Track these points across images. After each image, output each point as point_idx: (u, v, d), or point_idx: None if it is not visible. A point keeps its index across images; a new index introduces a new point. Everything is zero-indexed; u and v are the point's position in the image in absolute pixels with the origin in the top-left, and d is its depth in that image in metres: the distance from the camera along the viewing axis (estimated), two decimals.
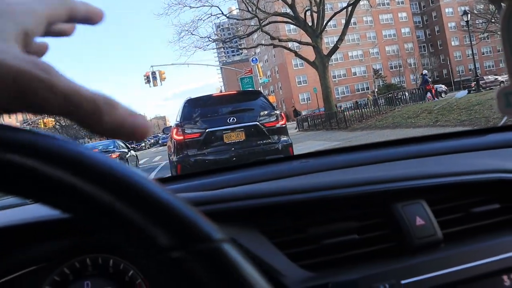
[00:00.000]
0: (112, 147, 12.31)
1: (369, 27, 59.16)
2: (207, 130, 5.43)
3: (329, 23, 19.62)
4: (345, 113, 17.39)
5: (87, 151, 0.24)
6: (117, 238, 0.25)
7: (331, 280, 0.58)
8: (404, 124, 11.71)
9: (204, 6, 20.75)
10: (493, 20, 28.63)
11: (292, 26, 26.93)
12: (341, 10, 20.03)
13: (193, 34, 21.14)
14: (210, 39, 22.13)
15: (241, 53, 76.07)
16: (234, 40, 27.48)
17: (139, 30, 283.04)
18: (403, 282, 0.58)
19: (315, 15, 19.02)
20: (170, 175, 6.43)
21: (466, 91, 17.97)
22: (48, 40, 0.30)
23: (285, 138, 5.79)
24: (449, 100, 13.33)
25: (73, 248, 0.66)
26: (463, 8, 25.22)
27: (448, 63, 61.33)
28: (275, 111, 5.86)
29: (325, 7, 19.33)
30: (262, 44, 24.01)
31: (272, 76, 60.53)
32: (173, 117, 7.26)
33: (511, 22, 0.36)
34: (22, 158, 0.22)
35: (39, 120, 37.27)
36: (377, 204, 0.67)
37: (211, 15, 21.07)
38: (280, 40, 20.69)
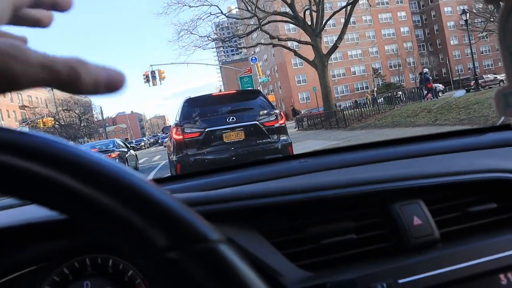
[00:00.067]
0: (111, 146, 12.31)
1: (368, 26, 59.15)
2: (206, 130, 5.43)
3: (328, 22, 19.61)
4: (344, 112, 17.40)
5: (83, 151, 0.24)
6: (113, 239, 0.25)
7: (329, 280, 0.58)
8: (404, 123, 11.71)
9: (203, 5, 20.76)
10: (492, 19, 28.63)
11: (291, 25, 26.91)
12: (340, 9, 20.03)
13: (192, 33, 21.15)
14: (210, 38, 22.12)
15: (241, 52, 76.03)
16: (234, 39, 27.46)
17: (139, 30, 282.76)
18: (400, 281, 0.58)
19: (314, 14, 19.01)
20: (169, 174, 6.44)
21: (464, 90, 17.96)
22: (27, 31, 0.31)
23: (284, 138, 5.79)
24: (448, 99, 13.33)
25: (73, 248, 0.66)
26: (462, 7, 25.22)
27: (447, 62, 61.33)
28: (275, 110, 5.86)
29: (324, 6, 19.33)
30: (261, 43, 23.98)
31: (271, 75, 60.47)
32: (172, 117, 7.25)
33: (508, 22, 0.36)
34: (19, 159, 0.22)
35: (39, 120, 37.22)
36: (375, 204, 0.68)
37: (211, 14, 21.08)
38: (279, 39, 20.69)
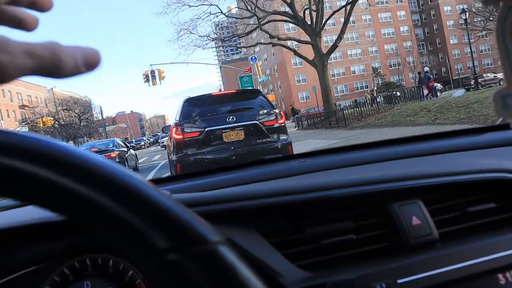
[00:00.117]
0: (111, 146, 12.31)
1: (368, 25, 59.12)
2: (206, 129, 5.43)
3: (328, 22, 19.61)
4: (344, 111, 17.40)
5: (82, 153, 0.24)
6: (113, 241, 0.25)
7: (329, 280, 0.58)
8: (403, 122, 11.71)
9: (203, 5, 20.72)
10: (491, 18, 28.61)
11: (291, 25, 26.89)
12: (340, 9, 20.01)
13: (192, 33, 21.12)
14: (209, 38, 22.08)
15: (240, 52, 76.00)
16: (233, 38, 27.44)
17: (138, 29, 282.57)
18: (399, 281, 0.58)
19: (314, 13, 19.00)
20: (169, 174, 6.44)
21: (464, 90, 17.97)
22: (10, 32, 0.31)
23: (284, 137, 5.79)
24: (448, 98, 13.33)
25: (73, 248, 0.66)
26: (461, 6, 25.19)
27: (447, 61, 61.34)
28: (274, 110, 5.86)
29: (324, 5, 19.31)
30: (261, 43, 23.95)
31: (271, 74, 60.45)
32: (172, 116, 7.26)
33: (506, 23, 0.36)
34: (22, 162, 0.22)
35: (38, 120, 37.18)
36: (374, 204, 0.68)
37: (210, 13, 21.03)
38: (279, 39, 20.67)
